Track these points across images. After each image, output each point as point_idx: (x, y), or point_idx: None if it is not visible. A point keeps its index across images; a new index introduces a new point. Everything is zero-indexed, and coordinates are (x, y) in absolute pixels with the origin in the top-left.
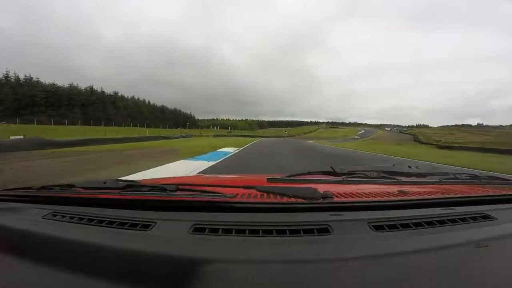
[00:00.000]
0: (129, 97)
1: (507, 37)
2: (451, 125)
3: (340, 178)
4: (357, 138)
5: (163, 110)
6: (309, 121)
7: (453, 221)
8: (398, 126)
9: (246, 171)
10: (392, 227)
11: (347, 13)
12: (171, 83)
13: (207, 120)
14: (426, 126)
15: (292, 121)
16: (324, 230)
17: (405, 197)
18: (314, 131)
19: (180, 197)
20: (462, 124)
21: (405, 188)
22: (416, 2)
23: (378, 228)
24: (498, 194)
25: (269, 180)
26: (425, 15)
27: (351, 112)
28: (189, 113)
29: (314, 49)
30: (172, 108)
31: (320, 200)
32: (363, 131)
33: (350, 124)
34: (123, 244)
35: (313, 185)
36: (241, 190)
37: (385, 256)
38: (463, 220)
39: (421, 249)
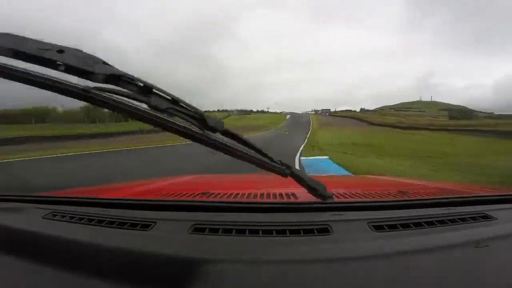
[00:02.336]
0: None
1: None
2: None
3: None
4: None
5: None
6: (216, 110)
7: (453, 221)
8: (324, 110)
9: None
10: (392, 227)
11: (258, 2)
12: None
13: None
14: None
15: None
16: (324, 230)
17: (405, 197)
18: (225, 117)
19: (180, 197)
20: (350, 110)
21: (405, 188)
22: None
23: (378, 228)
24: (498, 194)
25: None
26: (323, 12)
27: (257, 103)
28: None
29: (223, 40)
30: None
31: (320, 200)
32: (289, 115)
33: (258, 112)
34: (123, 244)
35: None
36: (241, 190)
37: (385, 256)
38: (463, 220)
39: (421, 249)
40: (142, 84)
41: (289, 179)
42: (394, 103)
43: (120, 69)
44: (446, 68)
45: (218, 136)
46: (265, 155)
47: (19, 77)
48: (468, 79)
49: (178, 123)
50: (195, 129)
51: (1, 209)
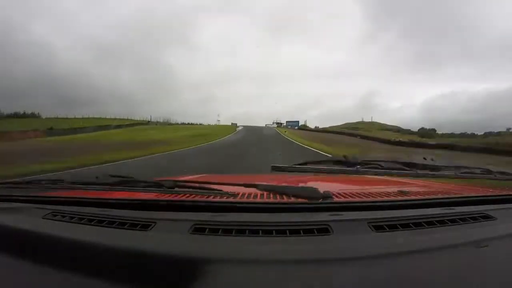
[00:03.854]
0: None
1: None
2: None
3: (353, 169)
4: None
5: None
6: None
7: (453, 221)
8: (290, 122)
9: None
10: (392, 227)
11: (214, 8)
12: None
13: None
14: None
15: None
16: (324, 230)
17: (405, 197)
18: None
19: (180, 197)
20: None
21: (405, 188)
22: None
23: (378, 228)
24: (498, 194)
25: (273, 168)
26: (282, 27)
27: (209, 116)
28: None
29: (173, 46)
30: None
31: (320, 200)
32: (241, 127)
33: (191, 124)
34: (123, 244)
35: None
36: (241, 190)
37: (385, 256)
38: (463, 220)
39: (421, 249)
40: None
41: (289, 179)
42: (340, 123)
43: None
44: (385, 89)
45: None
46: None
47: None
48: (402, 99)
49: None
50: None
51: (1, 209)
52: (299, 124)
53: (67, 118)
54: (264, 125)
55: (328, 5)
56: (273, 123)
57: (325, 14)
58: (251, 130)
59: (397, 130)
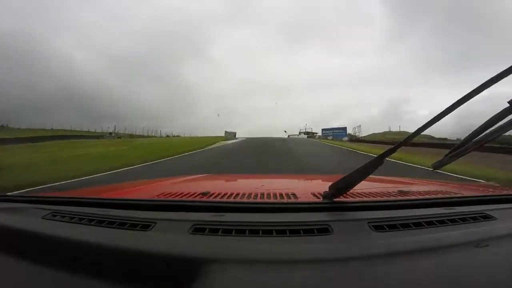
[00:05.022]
0: None
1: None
2: None
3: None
4: None
5: None
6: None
7: (453, 221)
8: (330, 130)
9: None
10: (392, 227)
11: (230, 18)
12: None
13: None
14: None
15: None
16: (324, 230)
17: (405, 197)
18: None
19: (180, 197)
20: None
21: (405, 188)
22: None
23: (378, 228)
24: (498, 194)
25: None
26: (299, 34)
27: (222, 129)
28: None
29: (190, 59)
30: None
31: (320, 200)
32: (239, 139)
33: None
34: (123, 244)
35: (322, 178)
36: (241, 190)
37: (385, 256)
38: (463, 220)
39: (421, 249)
40: None
41: (289, 179)
42: (364, 134)
43: None
44: (413, 95)
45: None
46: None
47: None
48: (432, 106)
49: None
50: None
51: (1, 209)
52: (347, 133)
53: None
54: (287, 136)
55: (350, 7)
56: (300, 133)
57: (346, 17)
58: (251, 146)
59: (430, 139)
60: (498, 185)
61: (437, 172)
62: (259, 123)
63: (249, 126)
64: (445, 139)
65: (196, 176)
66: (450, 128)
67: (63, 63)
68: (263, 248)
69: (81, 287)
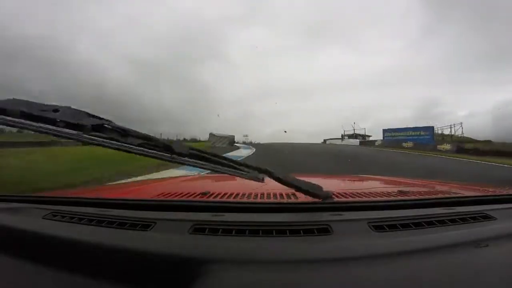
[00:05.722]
0: None
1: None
2: None
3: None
4: None
5: None
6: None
7: (453, 221)
8: (401, 130)
9: None
10: (392, 227)
11: (248, 18)
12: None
13: None
14: None
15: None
16: (324, 230)
17: (405, 197)
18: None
19: (180, 197)
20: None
21: (405, 188)
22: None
23: (378, 228)
24: (498, 194)
25: None
26: (318, 33)
27: (245, 132)
28: None
29: (210, 62)
30: None
31: (320, 200)
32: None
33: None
34: (123, 245)
35: (322, 178)
36: (241, 190)
37: (385, 256)
38: (463, 220)
39: (421, 249)
40: (120, 130)
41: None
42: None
43: (103, 117)
44: (447, 96)
45: (186, 158)
46: (238, 164)
47: (33, 129)
48: (469, 106)
49: (150, 152)
50: (165, 155)
51: (1, 209)
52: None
53: None
54: (324, 141)
55: (377, 3)
56: (343, 137)
57: (370, 12)
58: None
59: (469, 141)
60: (498, 185)
61: None
62: (281, 127)
63: (271, 130)
64: (490, 141)
65: (196, 176)
66: (490, 130)
67: (86, 69)
68: (263, 248)
69: (81, 287)
